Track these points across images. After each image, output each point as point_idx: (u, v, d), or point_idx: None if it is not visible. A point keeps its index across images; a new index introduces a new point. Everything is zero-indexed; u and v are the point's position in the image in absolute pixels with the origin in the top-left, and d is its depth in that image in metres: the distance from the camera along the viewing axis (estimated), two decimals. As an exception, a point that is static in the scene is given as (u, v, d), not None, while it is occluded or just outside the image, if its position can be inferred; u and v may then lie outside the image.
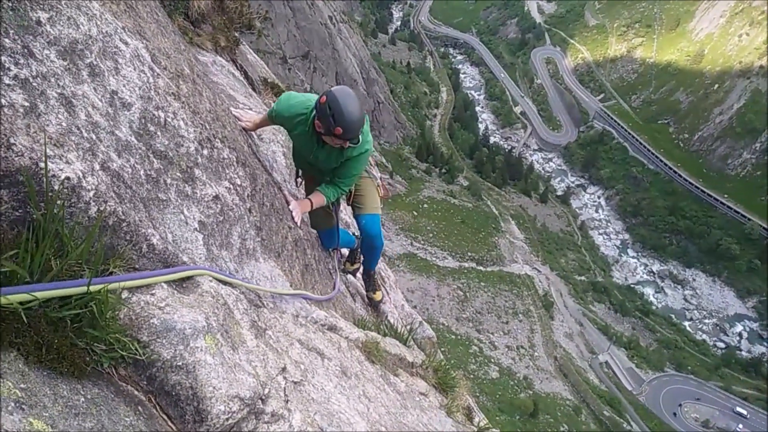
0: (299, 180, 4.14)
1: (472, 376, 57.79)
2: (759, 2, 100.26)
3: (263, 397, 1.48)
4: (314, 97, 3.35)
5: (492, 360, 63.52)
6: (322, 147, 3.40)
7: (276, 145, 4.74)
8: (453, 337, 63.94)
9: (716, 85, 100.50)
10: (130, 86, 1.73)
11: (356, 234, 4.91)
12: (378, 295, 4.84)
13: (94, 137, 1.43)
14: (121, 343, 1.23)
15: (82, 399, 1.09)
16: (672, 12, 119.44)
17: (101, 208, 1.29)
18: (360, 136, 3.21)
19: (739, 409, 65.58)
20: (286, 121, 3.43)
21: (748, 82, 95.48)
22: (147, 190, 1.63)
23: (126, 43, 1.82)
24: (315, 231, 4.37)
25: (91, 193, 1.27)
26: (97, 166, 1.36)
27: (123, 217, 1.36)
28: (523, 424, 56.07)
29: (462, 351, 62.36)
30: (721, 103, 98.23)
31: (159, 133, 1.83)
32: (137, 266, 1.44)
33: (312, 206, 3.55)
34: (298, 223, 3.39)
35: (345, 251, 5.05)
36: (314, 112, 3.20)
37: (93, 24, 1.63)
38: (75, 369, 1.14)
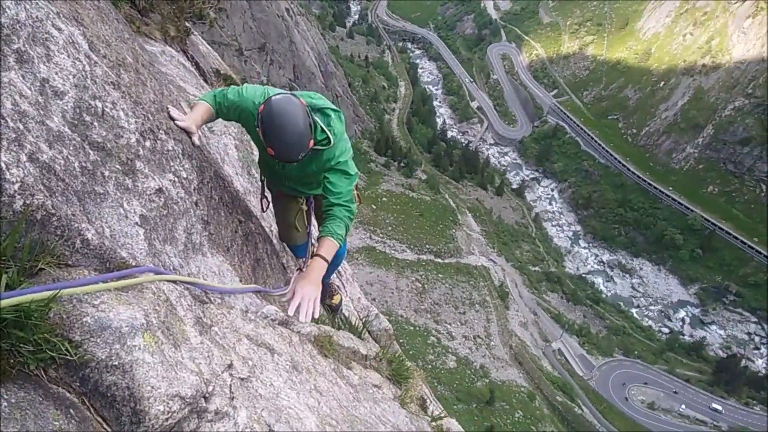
0: (265, 201, 3.49)
1: (430, 366, 58.55)
2: (702, 3, 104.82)
3: (206, 395, 1.45)
4: (273, 91, 2.85)
5: (450, 350, 64.51)
6: None
7: (227, 138, 4.64)
8: (411, 328, 64.54)
9: (662, 83, 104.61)
10: (64, 74, 1.65)
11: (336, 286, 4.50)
12: (336, 299, 4.35)
13: (21, 127, 1.35)
14: (51, 344, 1.17)
15: (5, 404, 1.03)
16: (621, 11, 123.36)
17: (27, 202, 1.22)
18: (323, 133, 2.74)
19: (714, 405, 68.14)
20: (241, 115, 2.90)
21: (691, 80, 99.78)
22: (82, 182, 1.56)
23: (59, 29, 1.73)
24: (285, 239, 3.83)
25: (16, 186, 1.21)
26: (24, 158, 1.29)
27: (53, 211, 1.30)
28: (479, 411, 57.31)
29: (420, 342, 63.06)
30: (667, 100, 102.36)
31: (96, 123, 1.75)
32: (70, 262, 1.38)
33: (325, 267, 2.69)
34: (314, 317, 2.48)
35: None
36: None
37: (21, 8, 1.54)
38: (-1, 373, 1.06)
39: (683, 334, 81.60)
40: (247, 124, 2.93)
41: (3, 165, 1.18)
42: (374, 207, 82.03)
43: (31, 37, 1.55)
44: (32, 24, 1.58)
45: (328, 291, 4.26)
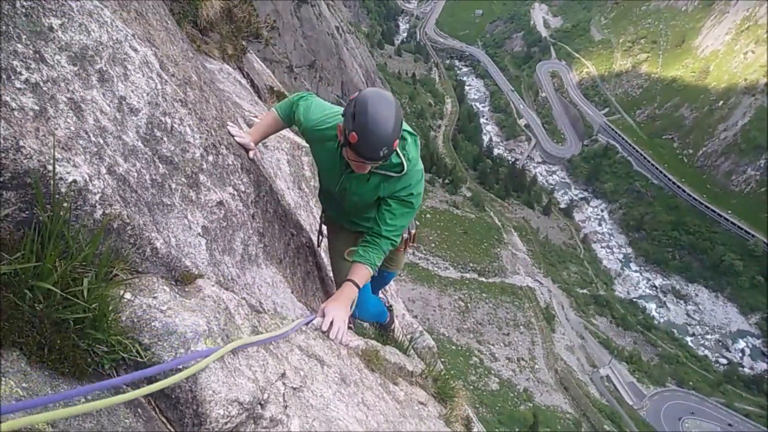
0: (321, 237, 3.37)
1: (471, 387, 57.44)
2: (764, 20, 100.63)
3: (262, 402, 1.49)
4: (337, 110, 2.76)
5: (492, 371, 63.15)
6: (350, 174, 2.63)
7: (280, 153, 4.77)
8: (453, 347, 63.64)
9: (721, 102, 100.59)
10: (139, 92, 1.76)
11: (388, 304, 4.21)
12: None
13: (101, 141, 1.45)
14: (123, 345, 1.24)
15: (83, 399, 1.10)
16: (678, 28, 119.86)
17: (107, 212, 1.31)
18: (398, 158, 2.50)
19: None
20: (308, 126, 2.74)
21: (753, 99, 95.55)
22: (152, 194, 1.65)
23: (135, 50, 1.85)
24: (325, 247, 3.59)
25: (97, 197, 1.29)
26: (103, 170, 1.39)
27: (128, 221, 1.38)
28: (522, 437, 55.64)
29: (462, 362, 62.03)
30: (726, 120, 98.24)
31: (165, 138, 1.85)
32: (140, 269, 1.46)
33: (356, 293, 2.60)
34: (346, 343, 2.52)
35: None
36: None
37: (104, 31, 1.66)
38: (76, 370, 1.15)
39: (743, 366, 77.05)
40: (321, 133, 2.74)
41: (87, 177, 1.27)
42: (417, 223, 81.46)
43: (111, 58, 1.66)
44: (113, 45, 1.70)
45: (387, 332, 4.11)
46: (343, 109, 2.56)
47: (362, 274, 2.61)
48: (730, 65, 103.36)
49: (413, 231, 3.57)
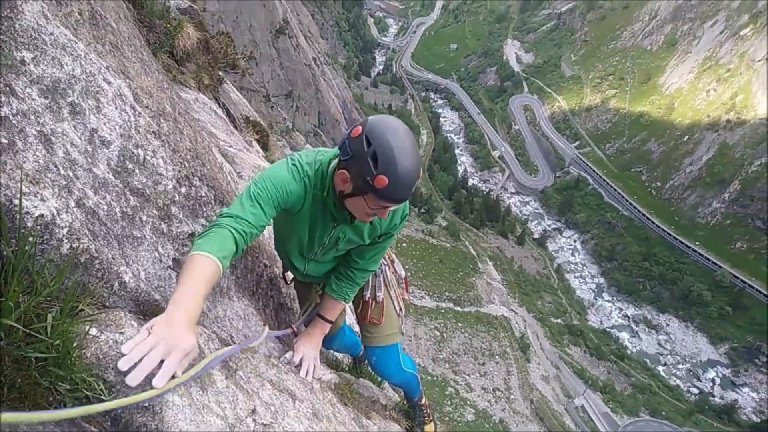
0: (289, 274, 2.97)
1: (447, 418, 56.69)
2: (725, 60, 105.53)
3: (230, 441, 1.46)
4: (309, 153, 2.18)
5: (468, 402, 62.55)
6: (348, 225, 2.24)
7: (255, 183, 4.77)
8: (429, 378, 62.98)
9: (686, 137, 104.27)
10: (111, 124, 1.75)
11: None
12: (430, 429, 3.47)
13: (71, 174, 1.44)
14: (87, 383, 1.21)
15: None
16: (643, 66, 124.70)
17: (74, 245, 1.29)
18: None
19: None
20: (279, 199, 2.04)
21: (716, 135, 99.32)
22: (122, 227, 1.64)
23: (109, 83, 1.85)
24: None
25: (65, 231, 1.27)
26: (72, 203, 1.37)
27: (96, 255, 1.36)
28: (498, 470, 54.91)
29: (438, 392, 61.36)
30: (691, 154, 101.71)
31: (137, 170, 1.84)
32: (107, 304, 1.44)
33: (328, 328, 2.51)
34: (315, 378, 2.38)
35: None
36: (333, 165, 2.07)
37: (77, 64, 1.66)
38: (37, 409, 1.11)
39: (713, 396, 77.91)
40: (296, 201, 2.14)
41: (54, 211, 1.25)
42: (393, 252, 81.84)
43: (84, 91, 1.66)
44: (86, 78, 1.70)
45: (419, 416, 3.43)
46: (284, 161, 2.15)
47: (335, 307, 2.53)
48: (693, 102, 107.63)
49: (404, 275, 3.13)
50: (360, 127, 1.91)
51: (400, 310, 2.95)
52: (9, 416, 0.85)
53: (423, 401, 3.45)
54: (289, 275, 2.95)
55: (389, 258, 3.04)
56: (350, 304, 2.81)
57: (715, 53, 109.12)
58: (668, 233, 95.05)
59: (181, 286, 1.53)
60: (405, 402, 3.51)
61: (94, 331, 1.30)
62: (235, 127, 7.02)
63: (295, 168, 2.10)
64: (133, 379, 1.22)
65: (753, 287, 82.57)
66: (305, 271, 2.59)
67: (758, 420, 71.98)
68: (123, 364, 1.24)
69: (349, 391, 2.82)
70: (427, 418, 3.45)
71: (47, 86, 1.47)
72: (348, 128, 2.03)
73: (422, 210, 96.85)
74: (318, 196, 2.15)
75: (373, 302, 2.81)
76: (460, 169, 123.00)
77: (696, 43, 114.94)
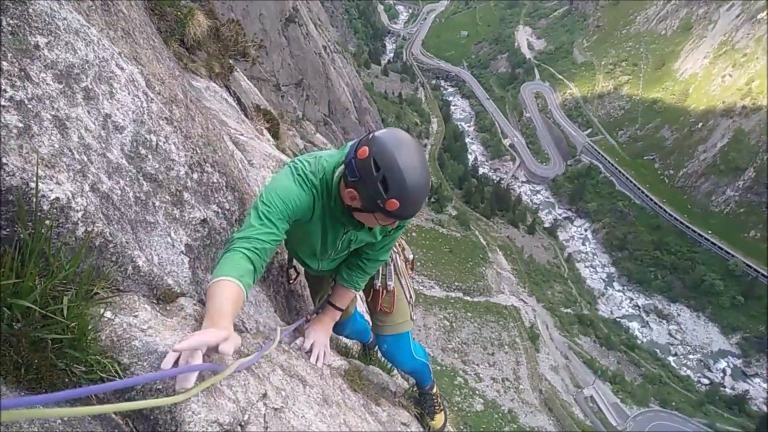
0: (293, 271, 2.97)
1: (456, 408, 57.00)
2: (741, 44, 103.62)
3: (242, 423, 1.48)
4: (310, 160, 2.14)
5: (477, 392, 62.78)
6: (358, 230, 2.25)
7: (266, 171, 4.78)
8: (438, 368, 63.23)
9: (700, 124, 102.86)
10: (124, 110, 1.76)
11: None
12: (438, 421, 3.39)
13: (85, 159, 1.45)
14: (102, 365, 1.23)
15: (59, 420, 1.07)
16: (657, 52, 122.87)
17: (89, 229, 1.31)
18: None
19: None
20: (289, 212, 2.02)
21: (731, 121, 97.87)
22: (135, 212, 1.65)
23: (122, 69, 1.86)
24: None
25: (80, 214, 1.29)
26: (86, 188, 1.38)
27: (110, 239, 1.38)
28: (507, 458, 55.21)
29: (447, 382, 61.62)
30: (705, 141, 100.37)
31: (150, 156, 1.85)
32: (122, 287, 1.45)
33: (338, 315, 2.55)
34: (325, 364, 2.41)
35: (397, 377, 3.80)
36: (338, 175, 2.06)
37: (90, 49, 1.67)
38: (53, 390, 1.13)
39: (724, 386, 77.54)
40: (303, 207, 2.10)
41: (70, 194, 1.27)
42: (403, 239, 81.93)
43: (97, 76, 1.67)
44: (99, 64, 1.71)
45: (429, 406, 3.39)
46: (286, 172, 2.11)
47: (346, 296, 2.55)
48: (708, 88, 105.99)
49: (411, 257, 3.11)
50: (366, 148, 1.85)
51: (411, 297, 2.95)
52: (11, 413, 0.83)
53: (434, 390, 3.45)
54: (292, 273, 2.96)
55: (400, 246, 3.04)
56: (360, 292, 2.83)
57: (731, 37, 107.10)
58: (681, 222, 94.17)
59: (211, 311, 1.54)
60: (415, 389, 3.53)
61: (108, 314, 1.32)
62: (246, 115, 7.03)
63: (301, 178, 2.07)
64: (184, 381, 1.27)
65: (766, 276, 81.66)
66: (319, 269, 2.61)
67: (769, 411, 71.66)
68: (167, 363, 1.28)
69: (359, 377, 2.84)
70: (437, 408, 3.45)
71: (61, 71, 1.48)
72: (354, 143, 2.00)
73: (432, 199, 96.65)
74: (326, 204, 2.14)
75: (384, 291, 2.80)
76: (471, 157, 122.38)
77: (711, 28, 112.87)
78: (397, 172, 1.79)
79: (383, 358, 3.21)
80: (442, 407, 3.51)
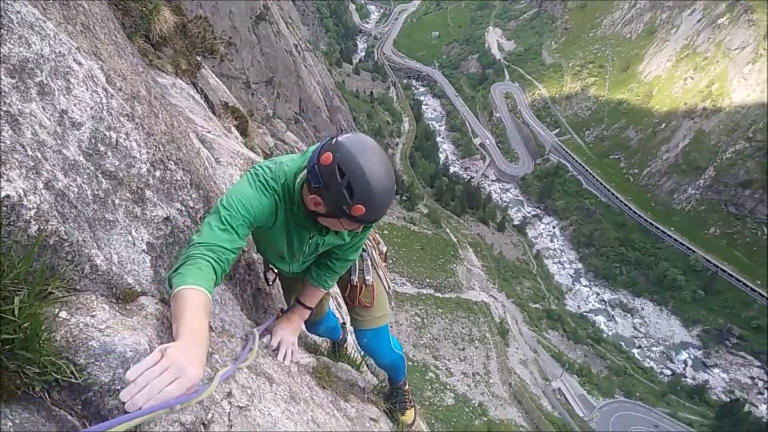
0: (271, 273, 2.97)
1: (427, 402, 57.41)
2: (702, 48, 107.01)
3: (205, 422, 1.46)
4: (271, 166, 2.10)
5: (448, 386, 63.40)
6: (323, 234, 2.26)
7: (233, 168, 4.72)
8: (410, 363, 63.55)
9: (664, 125, 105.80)
10: (82, 106, 1.72)
11: (342, 320, 3.92)
12: (408, 417, 3.39)
13: (39, 156, 1.41)
14: (56, 366, 1.19)
15: (10, 424, 1.04)
16: (623, 54, 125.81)
17: (42, 227, 1.27)
18: None
19: None
20: (251, 218, 1.99)
21: (692, 122, 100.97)
22: (93, 210, 1.61)
23: (80, 64, 1.81)
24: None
25: (32, 212, 1.25)
26: (40, 185, 1.35)
27: (65, 237, 1.35)
28: (478, 453, 55.90)
29: (419, 377, 62.05)
30: (668, 141, 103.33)
31: (110, 153, 1.81)
32: (78, 287, 1.42)
33: (307, 314, 2.54)
34: (292, 361, 2.38)
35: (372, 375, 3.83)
36: (300, 181, 2.03)
37: (45, 44, 1.63)
38: (3, 393, 1.09)
39: (685, 377, 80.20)
40: (266, 212, 2.08)
41: (21, 192, 1.23)
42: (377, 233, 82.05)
43: (53, 71, 1.63)
44: (55, 58, 1.66)
45: (399, 402, 3.38)
46: (248, 178, 2.07)
47: (315, 295, 2.56)
48: (671, 90, 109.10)
49: (385, 249, 3.11)
50: (329, 154, 1.83)
51: (389, 288, 2.97)
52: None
53: (406, 386, 3.46)
54: (270, 276, 2.97)
55: (375, 240, 3.03)
56: (335, 288, 2.82)
57: (693, 42, 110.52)
58: (645, 219, 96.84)
59: (186, 318, 1.50)
60: (384, 385, 3.56)
61: (63, 314, 1.29)
62: (214, 112, 6.93)
63: (261, 184, 2.05)
64: (132, 405, 1.19)
65: (725, 271, 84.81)
66: (290, 271, 2.60)
67: (728, 399, 74.36)
68: (125, 395, 1.20)
69: (327, 374, 2.85)
70: (408, 404, 3.45)
71: (14, 65, 1.44)
72: (316, 148, 1.97)
73: (404, 197, 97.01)
74: (288, 209, 2.13)
75: (363, 286, 2.80)
76: (442, 156, 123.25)
77: (674, 32, 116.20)
78: (362, 177, 1.78)
79: (363, 353, 3.22)
80: (412, 403, 3.52)
